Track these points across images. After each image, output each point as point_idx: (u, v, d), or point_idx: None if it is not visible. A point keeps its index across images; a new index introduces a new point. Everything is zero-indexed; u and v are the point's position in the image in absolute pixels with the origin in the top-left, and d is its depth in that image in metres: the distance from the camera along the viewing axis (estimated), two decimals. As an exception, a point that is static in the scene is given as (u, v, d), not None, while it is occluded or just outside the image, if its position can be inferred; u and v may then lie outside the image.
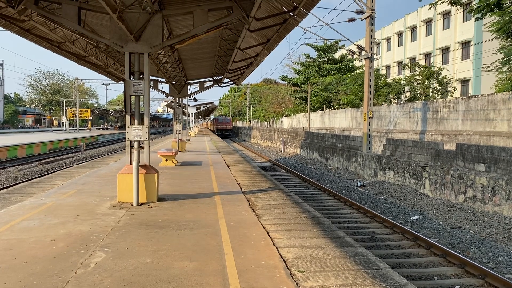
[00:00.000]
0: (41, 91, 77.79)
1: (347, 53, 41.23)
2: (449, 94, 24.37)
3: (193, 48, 14.95)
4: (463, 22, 34.65)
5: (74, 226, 6.12)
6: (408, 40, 43.48)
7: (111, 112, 70.68)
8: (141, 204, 7.65)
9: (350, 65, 42.95)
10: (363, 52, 18.21)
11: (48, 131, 60.60)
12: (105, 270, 4.37)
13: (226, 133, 63.40)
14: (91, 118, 64.35)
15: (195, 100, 34.19)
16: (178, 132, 20.97)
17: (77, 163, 20.48)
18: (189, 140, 30.60)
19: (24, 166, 21.20)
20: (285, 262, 4.72)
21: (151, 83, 19.22)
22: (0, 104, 73.51)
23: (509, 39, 18.33)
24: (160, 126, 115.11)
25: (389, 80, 30.41)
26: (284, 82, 55.20)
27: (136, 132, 7.51)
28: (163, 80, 20.41)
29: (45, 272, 4.26)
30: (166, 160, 14.35)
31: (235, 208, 7.56)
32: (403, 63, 38.72)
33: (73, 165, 19.43)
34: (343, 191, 14.70)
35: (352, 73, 38.25)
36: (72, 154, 28.59)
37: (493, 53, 20.87)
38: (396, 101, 26.40)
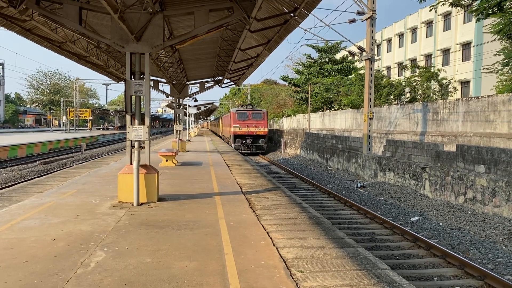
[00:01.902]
0: (42, 91, 77.75)
1: (348, 54, 41.18)
2: (449, 94, 24.36)
3: (194, 48, 14.97)
4: (464, 23, 34.66)
5: (74, 225, 6.13)
6: (408, 42, 43.50)
7: (112, 112, 70.75)
8: (142, 204, 7.66)
9: (351, 66, 42.93)
10: (364, 53, 18.22)
11: (49, 131, 60.63)
12: (105, 269, 4.38)
13: (256, 145, 32.03)
14: (91, 118, 64.38)
15: (195, 100, 34.19)
16: (178, 132, 20.99)
17: (78, 163, 20.50)
18: (189, 140, 30.61)
19: (24, 165, 21.22)
20: (285, 262, 4.73)
21: (152, 83, 19.24)
22: (0, 104, 73.58)
23: (510, 41, 18.32)
24: (161, 126, 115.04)
25: (390, 81, 30.36)
26: (284, 82, 54.78)
27: (136, 132, 7.53)
28: (163, 80, 20.43)
29: (45, 271, 4.27)
30: (167, 160, 14.37)
31: (235, 208, 7.57)
32: (403, 64, 38.69)
33: (73, 165, 19.45)
34: (343, 192, 14.71)
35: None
36: (73, 154, 28.63)
37: (494, 55, 20.85)
38: (396, 102, 26.39)
